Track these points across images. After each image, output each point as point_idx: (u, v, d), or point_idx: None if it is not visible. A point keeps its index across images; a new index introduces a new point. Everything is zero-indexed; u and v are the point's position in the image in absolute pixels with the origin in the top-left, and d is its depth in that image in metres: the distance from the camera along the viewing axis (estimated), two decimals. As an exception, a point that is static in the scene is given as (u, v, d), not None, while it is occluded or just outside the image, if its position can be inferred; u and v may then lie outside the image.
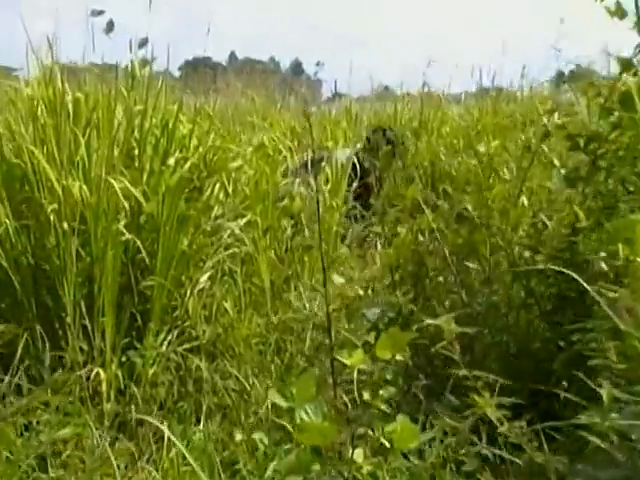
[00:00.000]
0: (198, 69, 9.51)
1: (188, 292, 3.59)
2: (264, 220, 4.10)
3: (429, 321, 2.02)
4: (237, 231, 3.87)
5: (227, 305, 3.68)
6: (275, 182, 4.28)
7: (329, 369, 1.73)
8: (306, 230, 4.40)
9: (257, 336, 3.71)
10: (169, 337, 3.45)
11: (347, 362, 1.62)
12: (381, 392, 1.69)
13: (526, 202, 3.06)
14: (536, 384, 2.49)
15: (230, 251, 3.88)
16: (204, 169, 3.64)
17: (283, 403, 1.56)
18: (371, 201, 3.53)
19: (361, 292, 2.77)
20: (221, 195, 3.98)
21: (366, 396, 1.69)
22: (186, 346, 3.49)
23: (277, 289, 4.14)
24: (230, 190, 3.93)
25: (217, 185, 3.80)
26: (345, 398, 1.74)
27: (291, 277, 4.22)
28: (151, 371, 3.29)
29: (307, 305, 3.78)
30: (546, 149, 3.05)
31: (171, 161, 3.38)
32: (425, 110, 7.84)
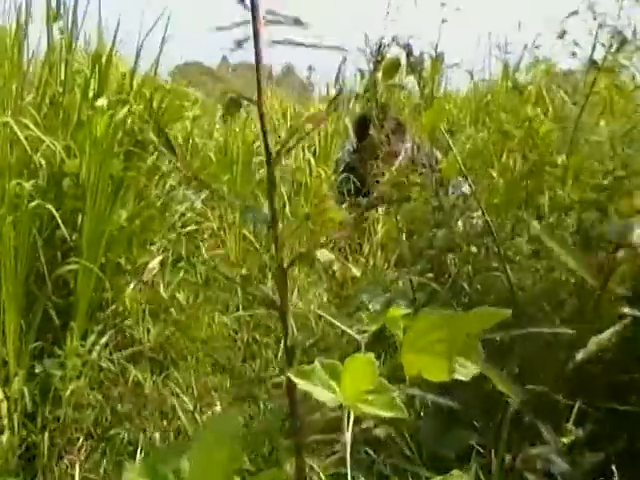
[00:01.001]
0: (189, 73, 8.70)
1: (128, 281, 2.72)
2: (233, 191, 3.23)
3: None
4: (197, 203, 3.01)
5: (181, 297, 2.81)
6: (249, 146, 3.41)
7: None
8: (287, 206, 3.53)
9: (221, 338, 2.85)
10: (100, 340, 2.58)
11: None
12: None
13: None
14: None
15: (188, 228, 3.02)
16: (150, 119, 2.76)
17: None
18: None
19: (357, 272, 1.91)
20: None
21: None
22: (124, 352, 2.62)
23: (250, 278, 3.27)
24: (188, 151, 3.05)
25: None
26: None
27: (267, 264, 3.35)
28: (72, 387, 2.42)
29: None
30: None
31: (100, 102, 2.51)
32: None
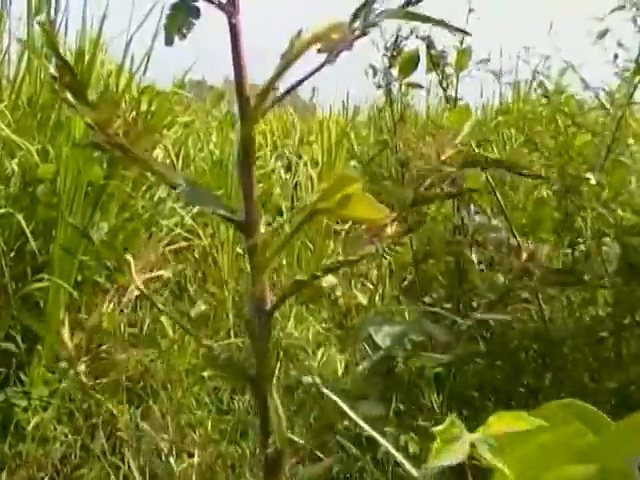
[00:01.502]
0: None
1: (107, 301, 2.44)
2: (227, 206, 2.96)
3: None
4: (187, 218, 2.75)
5: (165, 322, 2.53)
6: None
7: None
8: (286, 226, 3.26)
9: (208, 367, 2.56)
10: (72, 368, 2.30)
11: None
12: None
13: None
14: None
15: (175, 245, 2.75)
16: (138, 122, 2.51)
17: None
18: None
19: (363, 300, 1.64)
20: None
21: None
22: (98, 381, 2.34)
23: (243, 300, 3.00)
24: (177, 159, 2.79)
25: (159, 149, 2.67)
26: None
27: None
28: (37, 419, 2.15)
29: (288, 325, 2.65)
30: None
31: (79, 102, 2.25)
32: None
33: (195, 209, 2.84)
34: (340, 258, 0.77)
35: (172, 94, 2.50)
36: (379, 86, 1.70)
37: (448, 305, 1.59)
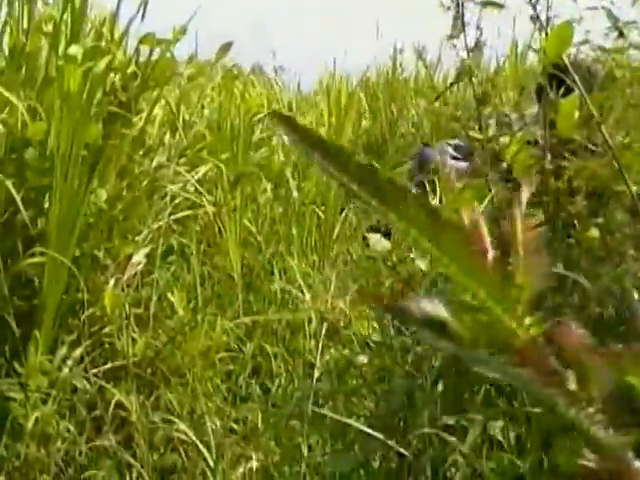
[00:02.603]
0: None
1: (108, 278, 2.17)
2: (234, 171, 2.69)
3: None
4: (192, 183, 2.47)
5: (174, 300, 2.26)
6: (249, 120, 2.86)
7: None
8: (294, 191, 2.99)
9: (223, 348, 2.30)
10: (73, 354, 2.03)
11: None
12: None
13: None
14: None
15: (180, 214, 2.47)
16: (135, 77, 2.20)
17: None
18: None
19: (422, 265, 1.40)
20: (165, 131, 2.57)
21: None
22: (103, 368, 2.07)
23: (253, 275, 2.73)
24: (179, 121, 2.50)
25: (158, 108, 2.38)
26: None
27: (273, 258, 2.81)
28: (37, 414, 1.87)
29: (302, 296, 2.40)
30: None
31: (74, 50, 1.95)
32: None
33: (199, 174, 2.57)
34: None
35: (174, 42, 2.20)
36: (448, 8, 1.43)
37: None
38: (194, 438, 1.97)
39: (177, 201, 2.50)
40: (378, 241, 1.48)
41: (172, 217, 2.44)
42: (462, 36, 1.44)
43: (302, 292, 2.55)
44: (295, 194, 2.96)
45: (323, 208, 3.04)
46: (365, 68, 5.58)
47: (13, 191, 1.91)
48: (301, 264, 2.81)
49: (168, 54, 2.21)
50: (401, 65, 5.66)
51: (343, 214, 3.09)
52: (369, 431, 1.37)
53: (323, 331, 2.00)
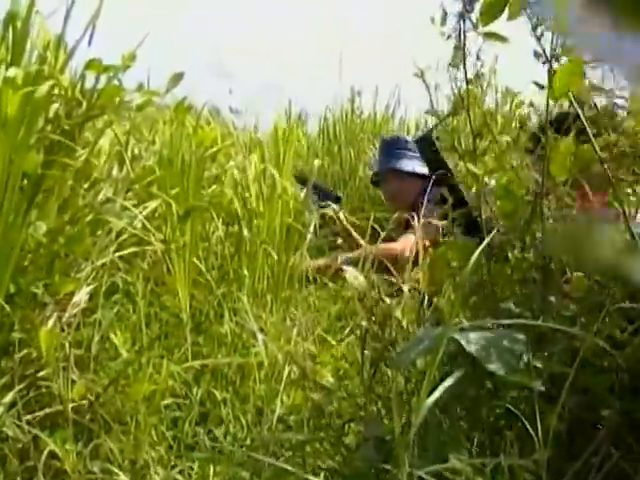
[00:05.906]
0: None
1: (47, 318, 2.03)
2: (183, 207, 2.58)
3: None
4: (140, 218, 2.35)
5: (117, 341, 2.13)
6: (202, 155, 2.76)
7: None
8: (244, 230, 2.89)
9: (169, 393, 2.17)
10: (4, 398, 1.87)
11: None
12: None
13: None
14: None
15: (126, 251, 2.35)
16: (79, 105, 2.10)
17: None
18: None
19: (396, 310, 1.31)
20: (112, 163, 2.46)
21: None
22: (39, 414, 1.92)
23: (201, 316, 2.61)
24: (128, 153, 2.39)
25: (105, 138, 2.27)
26: None
27: (224, 300, 2.69)
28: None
29: (257, 342, 2.28)
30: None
31: (12, 73, 1.84)
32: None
33: (147, 210, 2.45)
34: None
35: (122, 69, 2.11)
36: (448, 36, 1.37)
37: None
38: (135, 490, 1.82)
39: (123, 237, 2.37)
40: (356, 277, 1.37)
41: (118, 254, 2.31)
42: (461, 66, 1.37)
43: (254, 335, 2.44)
44: (246, 233, 2.86)
45: (277, 248, 2.94)
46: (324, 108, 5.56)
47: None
48: (253, 306, 2.69)
49: (116, 81, 2.11)
50: (359, 108, 5.70)
51: (297, 253, 2.99)
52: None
53: (285, 375, 1.88)
